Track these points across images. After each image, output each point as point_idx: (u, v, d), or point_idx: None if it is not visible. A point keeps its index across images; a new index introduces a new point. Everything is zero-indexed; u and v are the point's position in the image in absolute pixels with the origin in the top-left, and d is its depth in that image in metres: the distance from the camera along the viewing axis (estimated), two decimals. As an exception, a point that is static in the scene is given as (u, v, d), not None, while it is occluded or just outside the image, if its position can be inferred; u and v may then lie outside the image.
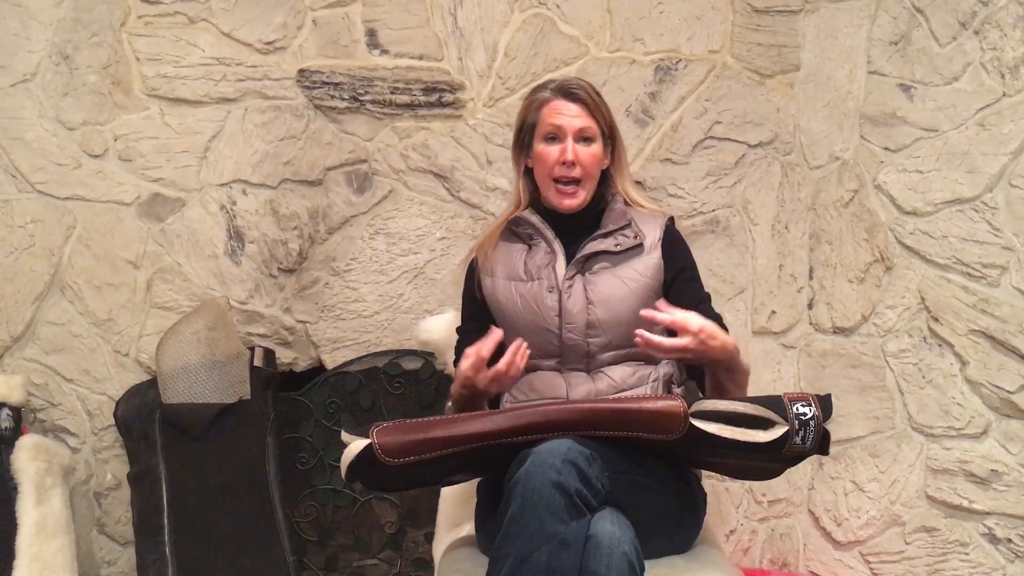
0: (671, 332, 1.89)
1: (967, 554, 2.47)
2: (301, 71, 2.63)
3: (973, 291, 2.43)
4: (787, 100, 2.79)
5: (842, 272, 2.70)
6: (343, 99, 2.64)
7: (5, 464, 2.39)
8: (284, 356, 2.69)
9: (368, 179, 2.68)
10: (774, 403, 1.75)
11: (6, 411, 2.45)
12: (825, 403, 1.77)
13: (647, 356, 2.03)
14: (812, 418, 1.74)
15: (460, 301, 2.25)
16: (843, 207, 2.69)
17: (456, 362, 2.17)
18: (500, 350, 1.94)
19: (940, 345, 2.50)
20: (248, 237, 2.64)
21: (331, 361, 2.70)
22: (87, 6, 2.55)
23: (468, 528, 2.19)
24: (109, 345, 2.61)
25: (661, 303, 1.90)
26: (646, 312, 1.88)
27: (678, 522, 1.94)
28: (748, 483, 2.78)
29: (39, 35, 2.54)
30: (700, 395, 2.05)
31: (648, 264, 2.08)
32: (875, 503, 2.63)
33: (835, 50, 2.71)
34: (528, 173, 2.17)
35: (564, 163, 2.06)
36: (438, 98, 2.66)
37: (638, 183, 2.67)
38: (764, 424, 1.73)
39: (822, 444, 1.76)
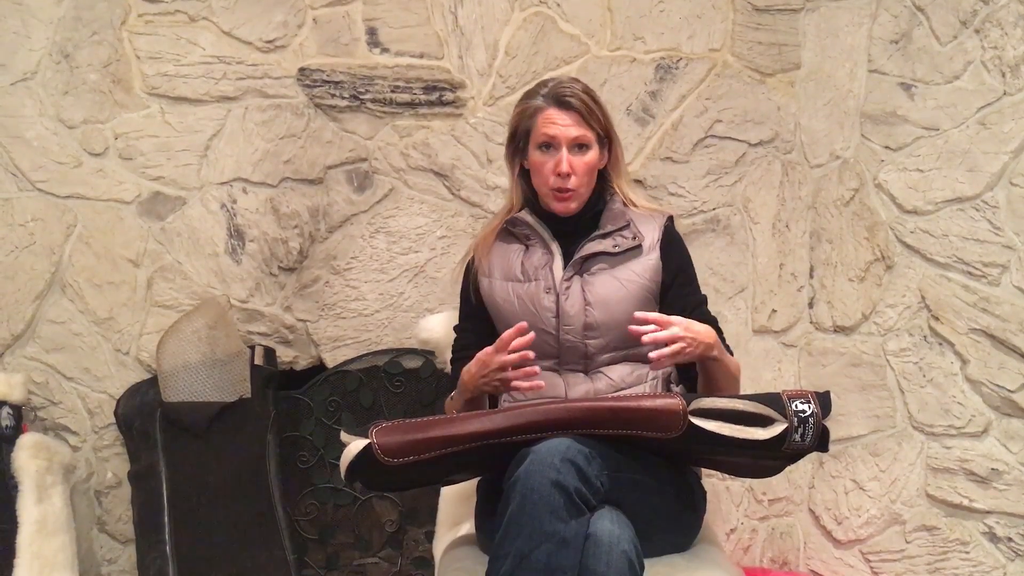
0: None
1: (967, 553, 2.47)
2: (301, 70, 2.63)
3: (974, 290, 2.43)
4: (788, 99, 2.79)
5: (843, 271, 2.70)
6: (343, 98, 2.64)
7: (6, 462, 2.39)
8: (284, 355, 2.69)
9: (368, 178, 2.68)
10: (773, 400, 1.75)
11: (7, 409, 2.45)
12: (824, 400, 1.77)
13: (645, 356, 2.04)
14: (811, 415, 1.74)
15: (459, 300, 2.25)
16: (844, 206, 2.69)
17: (453, 361, 2.18)
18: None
19: (941, 344, 2.50)
20: (249, 235, 2.65)
21: (331, 360, 2.70)
22: (87, 4, 2.55)
23: (468, 527, 2.19)
24: (110, 343, 2.61)
25: (637, 315, 1.91)
26: (639, 314, 1.90)
27: (678, 520, 1.94)
28: (748, 481, 2.77)
29: (39, 33, 2.54)
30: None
31: (646, 265, 2.08)
32: (875, 502, 2.63)
33: (836, 49, 2.71)
34: (523, 174, 2.16)
35: (559, 175, 2.05)
36: (438, 97, 2.66)
37: (638, 182, 2.67)
38: (763, 421, 1.74)
39: (821, 441, 1.76)
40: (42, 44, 2.55)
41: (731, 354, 2.04)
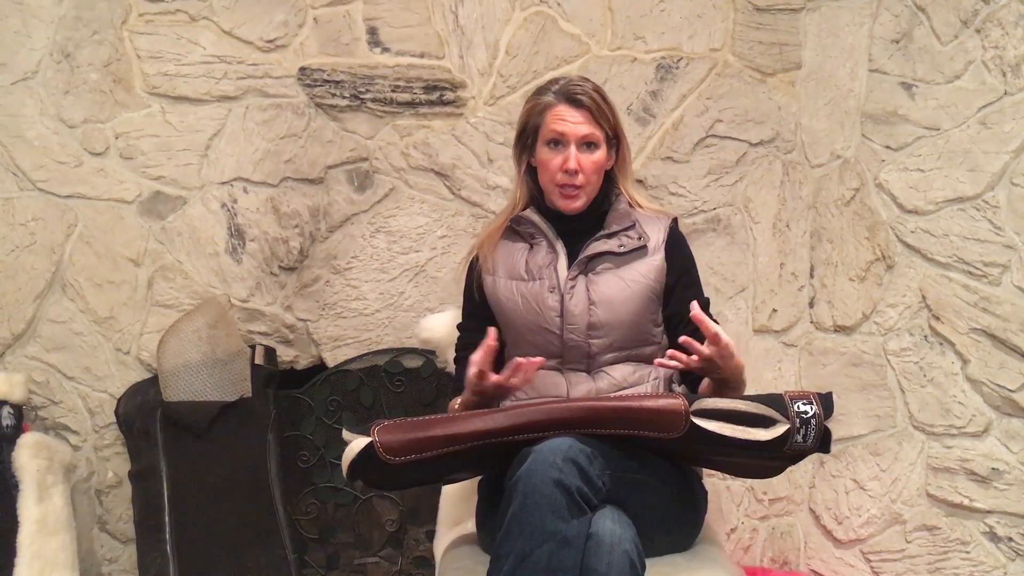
0: (675, 344, 1.88)
1: (968, 552, 2.47)
2: (302, 69, 2.63)
3: (974, 289, 2.43)
4: (788, 98, 2.79)
5: (843, 270, 2.70)
6: (344, 97, 2.63)
7: (6, 462, 2.39)
8: (285, 354, 2.69)
9: (369, 177, 2.67)
10: (775, 401, 1.75)
11: (7, 409, 2.45)
12: (826, 401, 1.77)
13: (648, 356, 2.04)
14: (813, 416, 1.74)
15: (461, 299, 2.25)
16: (844, 205, 2.69)
17: (457, 360, 2.18)
18: (502, 347, 1.94)
19: (941, 343, 2.50)
20: (249, 235, 2.65)
21: (332, 359, 2.70)
22: (88, 4, 2.55)
23: (469, 526, 2.19)
24: (110, 343, 2.61)
25: (694, 307, 1.84)
26: (697, 313, 1.81)
27: (679, 520, 1.94)
28: (749, 481, 2.77)
29: (40, 33, 2.54)
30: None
31: (651, 266, 2.08)
32: (876, 501, 2.63)
33: (836, 48, 2.71)
34: (529, 172, 2.16)
35: (567, 171, 2.05)
36: (439, 96, 2.66)
37: (639, 182, 2.67)
38: (765, 422, 1.74)
39: (823, 442, 1.76)
40: (43, 44, 2.55)
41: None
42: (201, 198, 2.63)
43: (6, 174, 2.56)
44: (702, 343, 1.82)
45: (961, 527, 2.48)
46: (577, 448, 1.68)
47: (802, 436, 1.73)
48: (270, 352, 2.64)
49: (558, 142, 2.05)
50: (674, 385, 2.09)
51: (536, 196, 2.15)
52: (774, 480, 2.67)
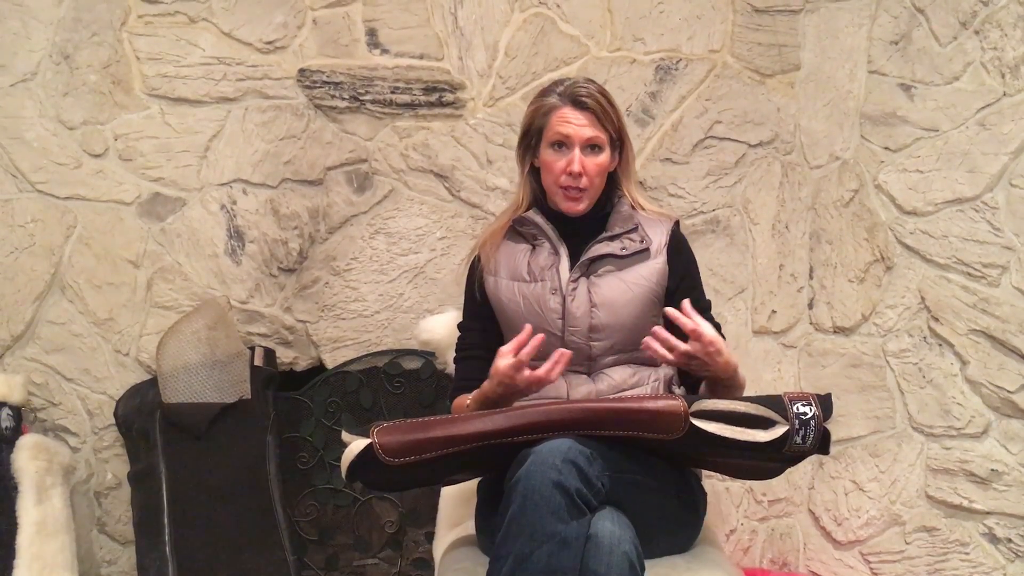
0: (677, 332, 1.88)
1: (967, 554, 2.47)
2: (301, 71, 2.63)
3: (973, 291, 2.44)
4: (787, 100, 2.79)
5: (842, 272, 2.70)
6: (343, 99, 2.64)
7: (5, 463, 2.39)
8: (284, 355, 2.69)
9: (368, 179, 2.68)
10: (774, 402, 1.75)
11: (6, 410, 2.45)
12: (825, 402, 1.77)
13: (648, 358, 2.03)
14: (812, 417, 1.74)
15: (461, 301, 2.25)
16: (843, 207, 2.70)
17: (457, 359, 2.18)
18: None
19: (940, 345, 2.50)
20: (248, 236, 2.65)
21: (331, 360, 2.70)
22: (87, 5, 2.55)
23: (468, 527, 2.19)
24: (109, 344, 2.61)
25: (685, 304, 1.87)
26: (670, 311, 1.86)
27: (678, 521, 1.93)
28: (748, 482, 2.78)
29: (39, 34, 2.54)
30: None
31: (653, 269, 2.08)
32: (875, 503, 2.63)
33: (835, 50, 2.71)
34: (532, 172, 2.16)
35: (571, 173, 2.04)
36: (438, 98, 2.66)
37: (639, 183, 2.67)
38: (764, 424, 1.74)
39: (822, 444, 1.76)
40: (42, 45, 2.55)
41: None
42: (200, 200, 2.63)
43: (5, 176, 2.56)
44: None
45: (960, 528, 2.48)
46: (576, 449, 1.68)
47: (801, 437, 1.73)
48: (269, 353, 2.64)
49: (562, 144, 2.05)
50: (674, 387, 2.09)
51: (539, 197, 2.15)
52: (773, 481, 2.67)
